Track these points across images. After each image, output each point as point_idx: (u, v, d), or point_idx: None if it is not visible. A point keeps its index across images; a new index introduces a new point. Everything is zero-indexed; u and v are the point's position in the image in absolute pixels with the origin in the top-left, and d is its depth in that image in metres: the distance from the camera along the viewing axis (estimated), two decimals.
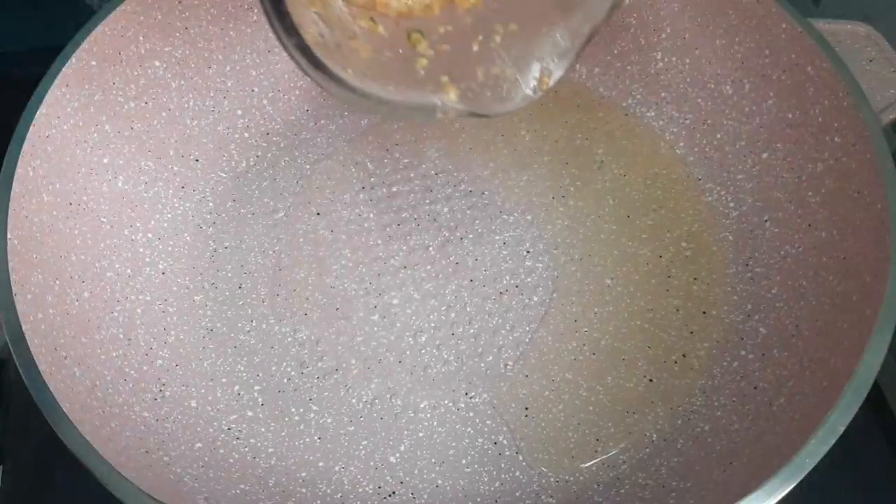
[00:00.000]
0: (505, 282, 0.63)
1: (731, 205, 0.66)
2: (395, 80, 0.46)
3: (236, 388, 0.58)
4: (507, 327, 0.61)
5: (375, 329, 0.61)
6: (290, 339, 0.60)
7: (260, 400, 0.58)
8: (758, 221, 0.64)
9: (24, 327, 0.47)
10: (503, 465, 0.56)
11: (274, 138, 0.71)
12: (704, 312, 0.61)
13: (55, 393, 0.45)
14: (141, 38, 0.62)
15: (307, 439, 0.56)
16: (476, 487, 0.55)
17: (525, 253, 0.64)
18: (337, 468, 0.55)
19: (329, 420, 0.57)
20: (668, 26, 0.70)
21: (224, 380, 0.59)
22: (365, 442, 0.56)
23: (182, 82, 0.66)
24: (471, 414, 0.58)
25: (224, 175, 0.68)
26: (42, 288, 0.51)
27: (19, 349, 0.46)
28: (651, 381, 0.58)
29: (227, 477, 0.53)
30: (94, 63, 0.59)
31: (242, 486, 0.53)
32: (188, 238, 0.65)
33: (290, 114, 0.73)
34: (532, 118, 0.73)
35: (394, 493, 0.55)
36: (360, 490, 0.54)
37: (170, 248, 0.64)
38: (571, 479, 0.55)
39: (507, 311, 0.62)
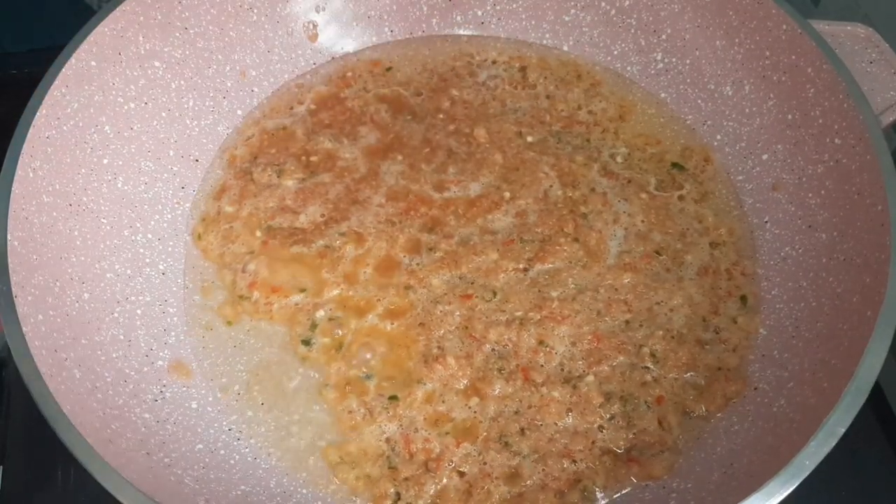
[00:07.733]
0: None
1: (732, 205, 0.66)
2: None
3: (236, 387, 0.58)
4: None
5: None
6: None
7: (260, 400, 0.58)
8: (758, 223, 0.64)
9: (24, 329, 0.47)
10: None
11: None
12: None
13: (55, 395, 0.45)
14: (141, 39, 0.62)
15: (308, 439, 0.56)
16: None
17: None
18: None
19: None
20: (668, 27, 0.70)
21: (224, 380, 0.59)
22: None
23: (182, 82, 0.66)
24: None
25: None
26: (42, 289, 0.51)
27: (19, 350, 0.46)
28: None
29: (228, 478, 0.53)
30: (94, 63, 0.59)
31: (243, 487, 0.53)
32: (188, 238, 0.65)
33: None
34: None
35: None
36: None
37: (170, 249, 0.64)
38: None
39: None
